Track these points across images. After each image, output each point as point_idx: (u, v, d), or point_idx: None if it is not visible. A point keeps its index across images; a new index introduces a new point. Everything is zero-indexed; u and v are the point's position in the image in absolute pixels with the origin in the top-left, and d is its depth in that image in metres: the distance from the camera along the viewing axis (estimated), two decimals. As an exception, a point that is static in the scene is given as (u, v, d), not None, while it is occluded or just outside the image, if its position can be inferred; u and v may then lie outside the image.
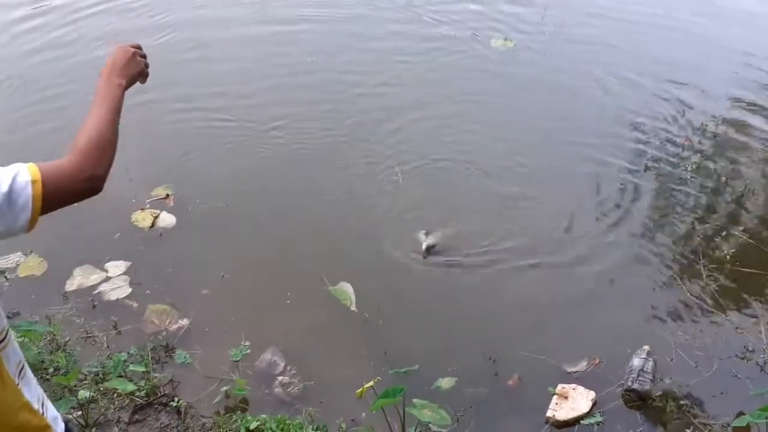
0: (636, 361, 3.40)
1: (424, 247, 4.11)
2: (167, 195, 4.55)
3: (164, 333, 3.60)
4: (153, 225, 4.35)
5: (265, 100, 5.64)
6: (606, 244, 4.33)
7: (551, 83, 5.98)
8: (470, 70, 6.19)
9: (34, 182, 1.29)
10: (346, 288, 3.88)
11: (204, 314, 3.75)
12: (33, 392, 1.53)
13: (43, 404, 1.55)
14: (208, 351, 3.54)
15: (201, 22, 6.84)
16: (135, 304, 3.78)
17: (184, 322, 3.67)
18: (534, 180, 4.82)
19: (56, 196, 1.33)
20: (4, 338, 1.44)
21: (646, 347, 3.48)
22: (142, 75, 1.70)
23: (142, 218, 4.38)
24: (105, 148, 1.44)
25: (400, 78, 6.00)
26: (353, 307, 3.79)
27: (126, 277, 3.96)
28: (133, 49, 1.67)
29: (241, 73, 6.01)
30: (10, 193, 1.26)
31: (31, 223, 1.30)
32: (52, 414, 1.59)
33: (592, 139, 5.26)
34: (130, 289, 3.87)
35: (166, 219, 4.41)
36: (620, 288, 4.04)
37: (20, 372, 1.49)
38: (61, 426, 1.60)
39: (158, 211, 4.44)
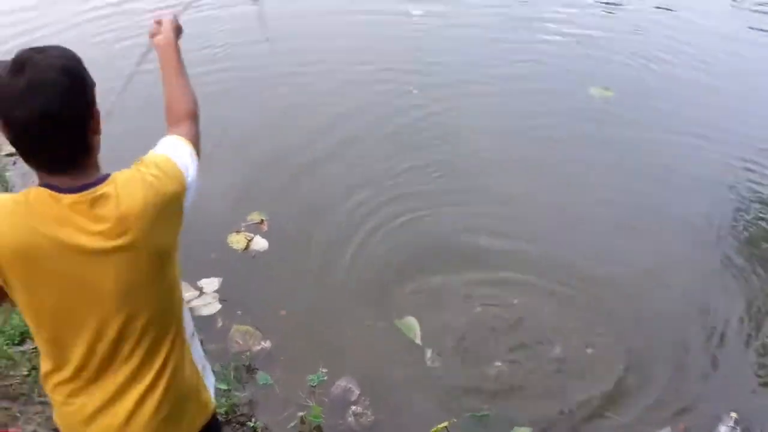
0: (722, 430, 3.24)
1: None
2: (262, 220, 4.72)
3: (247, 353, 3.71)
4: (247, 248, 4.52)
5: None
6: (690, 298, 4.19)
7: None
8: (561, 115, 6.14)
9: (194, 152, 1.69)
10: (412, 322, 3.94)
11: (286, 337, 3.85)
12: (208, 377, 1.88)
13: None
14: (288, 374, 3.63)
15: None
16: (221, 323, 3.93)
17: (267, 344, 3.78)
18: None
19: (198, 154, 1.71)
20: (193, 333, 1.77)
21: (734, 414, 3.31)
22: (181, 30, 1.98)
23: (237, 241, 4.56)
24: (198, 111, 1.85)
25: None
26: (418, 341, 3.83)
27: (217, 294, 4.13)
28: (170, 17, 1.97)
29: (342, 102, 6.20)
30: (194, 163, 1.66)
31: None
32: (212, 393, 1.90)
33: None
34: (219, 306, 4.03)
35: (260, 243, 4.57)
36: (706, 347, 3.87)
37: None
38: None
39: (252, 235, 4.61)
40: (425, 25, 7.87)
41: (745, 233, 4.77)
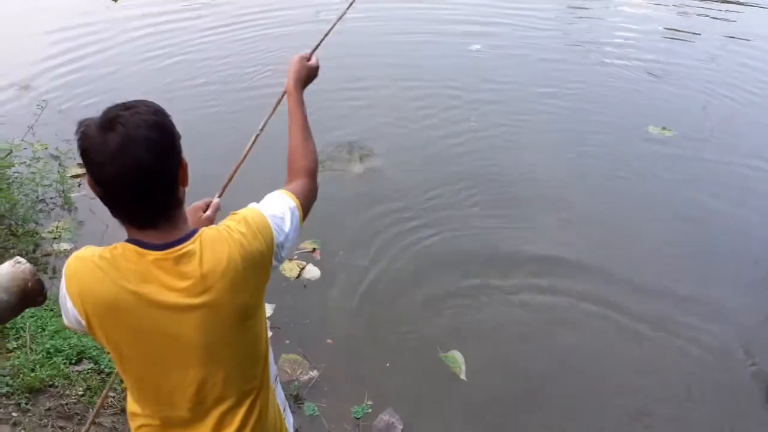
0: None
1: None
2: (314, 249, 4.78)
3: (296, 383, 3.74)
4: (299, 275, 4.58)
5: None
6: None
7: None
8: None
9: (297, 207, 1.73)
10: (457, 356, 3.92)
11: (333, 367, 3.87)
12: (288, 418, 1.92)
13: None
14: (334, 404, 3.64)
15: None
16: (272, 352, 3.95)
17: (314, 373, 3.81)
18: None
19: (306, 210, 1.78)
20: (276, 376, 1.85)
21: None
22: (314, 75, 2.05)
23: (290, 268, 4.61)
24: (317, 168, 1.90)
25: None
26: (462, 376, 3.81)
27: (268, 322, 4.16)
28: (301, 57, 2.03)
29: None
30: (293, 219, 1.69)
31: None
32: None
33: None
34: (271, 333, 4.07)
35: (312, 271, 4.63)
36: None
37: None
38: None
39: (305, 263, 4.67)
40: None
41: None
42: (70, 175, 5.48)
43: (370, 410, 3.58)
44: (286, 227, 1.65)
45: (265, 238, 1.56)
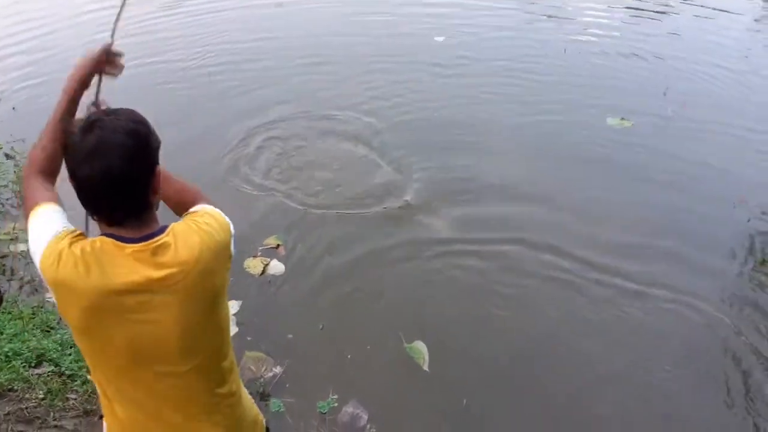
0: None
1: None
2: (278, 245, 4.76)
3: (261, 380, 3.73)
4: (263, 272, 4.56)
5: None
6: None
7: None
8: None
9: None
10: (421, 347, 3.95)
11: (297, 362, 3.86)
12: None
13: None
14: (299, 400, 3.64)
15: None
16: (236, 349, 3.94)
17: (278, 369, 3.80)
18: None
19: None
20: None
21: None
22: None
23: (254, 265, 4.59)
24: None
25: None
26: (425, 367, 3.84)
27: (234, 318, 4.16)
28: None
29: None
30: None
31: None
32: None
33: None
34: (236, 329, 4.06)
35: (277, 267, 4.61)
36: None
37: None
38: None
39: (269, 259, 4.65)
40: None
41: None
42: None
43: (335, 404, 3.58)
44: (231, 225, 1.76)
45: (226, 230, 1.69)
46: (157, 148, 1.55)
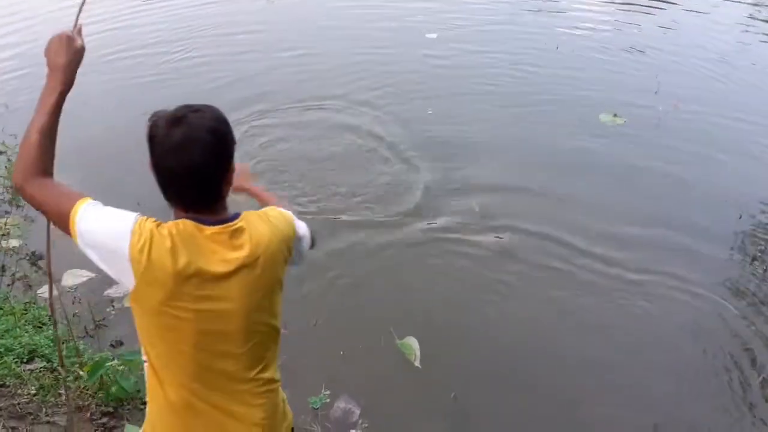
0: None
1: None
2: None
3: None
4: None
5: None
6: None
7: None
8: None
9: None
10: (412, 342, 3.98)
11: (289, 359, 3.83)
12: None
13: None
14: (291, 396, 3.59)
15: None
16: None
17: (272, 366, 3.80)
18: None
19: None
20: None
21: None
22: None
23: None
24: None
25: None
26: (417, 363, 3.86)
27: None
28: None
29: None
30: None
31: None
32: None
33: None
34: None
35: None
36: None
37: None
38: None
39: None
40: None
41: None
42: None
43: (327, 400, 3.60)
44: (302, 228, 1.94)
45: (291, 225, 1.86)
46: (234, 144, 1.67)
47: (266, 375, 1.82)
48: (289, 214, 1.90)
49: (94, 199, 1.68)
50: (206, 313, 1.65)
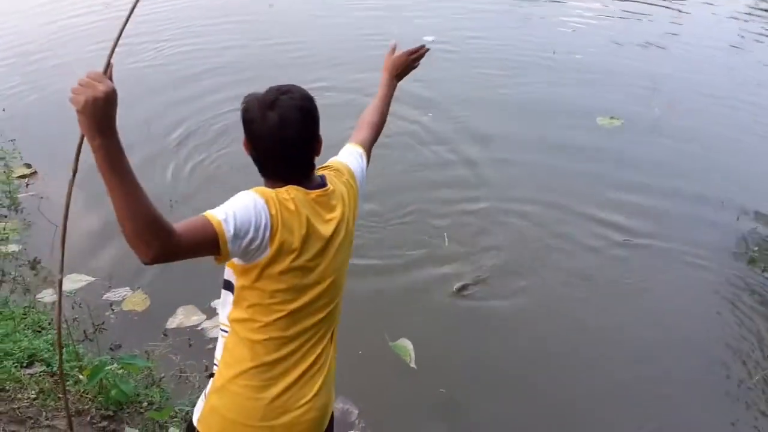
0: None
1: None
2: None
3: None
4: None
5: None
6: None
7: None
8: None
9: (363, 154, 2.24)
10: (406, 344, 3.99)
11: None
12: None
13: None
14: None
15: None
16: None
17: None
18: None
19: (369, 154, 2.29)
20: None
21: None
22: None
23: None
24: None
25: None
26: (412, 364, 3.87)
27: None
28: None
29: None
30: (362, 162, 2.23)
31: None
32: None
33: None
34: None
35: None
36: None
37: None
38: None
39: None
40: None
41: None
42: (16, 175, 5.35)
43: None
44: (360, 169, 2.15)
45: (353, 176, 2.09)
46: (319, 120, 1.83)
47: (333, 335, 2.01)
48: (344, 164, 2.10)
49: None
50: (325, 266, 1.84)
